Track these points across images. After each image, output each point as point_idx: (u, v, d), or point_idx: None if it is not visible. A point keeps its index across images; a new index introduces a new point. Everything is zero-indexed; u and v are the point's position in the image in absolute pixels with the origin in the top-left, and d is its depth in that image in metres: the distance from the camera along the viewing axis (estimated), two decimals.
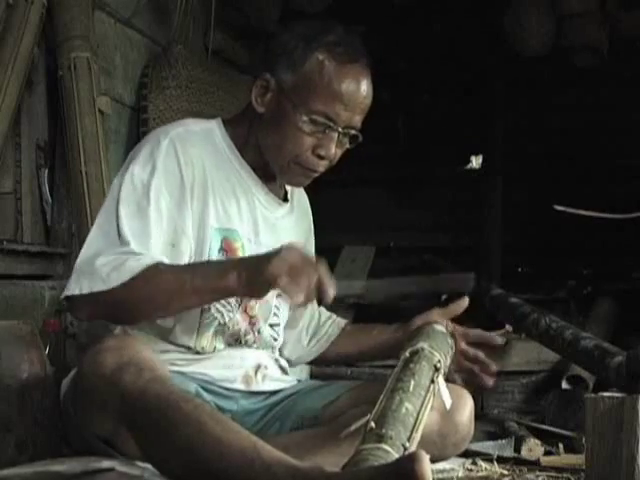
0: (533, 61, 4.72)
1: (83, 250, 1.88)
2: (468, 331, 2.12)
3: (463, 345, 2.08)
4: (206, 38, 3.93)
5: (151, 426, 1.63)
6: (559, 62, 4.78)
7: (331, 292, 1.77)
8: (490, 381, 2.11)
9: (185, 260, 1.92)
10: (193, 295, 1.83)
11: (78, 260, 1.87)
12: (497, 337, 2.18)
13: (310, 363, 2.39)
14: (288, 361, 2.20)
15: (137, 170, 1.91)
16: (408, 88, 5.54)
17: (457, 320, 2.13)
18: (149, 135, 2.01)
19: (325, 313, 2.29)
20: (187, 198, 1.92)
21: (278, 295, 2.08)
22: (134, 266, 1.81)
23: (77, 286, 1.83)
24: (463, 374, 2.09)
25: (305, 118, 1.92)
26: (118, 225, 1.86)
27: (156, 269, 1.82)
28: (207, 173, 1.95)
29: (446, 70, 5.51)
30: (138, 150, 1.95)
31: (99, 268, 1.81)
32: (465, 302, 2.12)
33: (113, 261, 1.81)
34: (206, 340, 1.97)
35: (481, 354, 2.10)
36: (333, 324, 2.26)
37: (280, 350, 2.16)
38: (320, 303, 2.13)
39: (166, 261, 1.87)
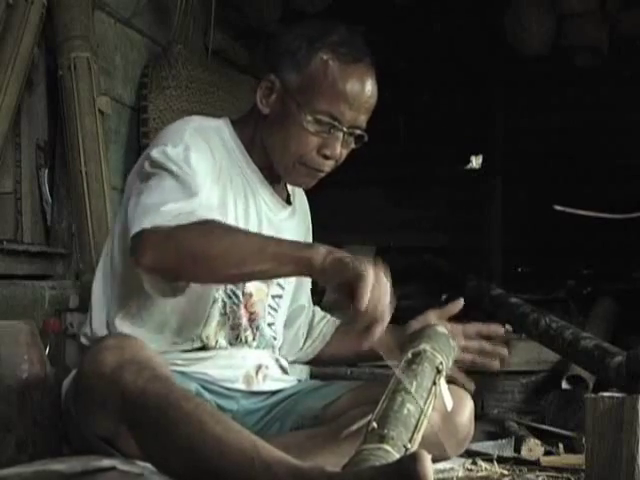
0: (533, 61, 4.72)
1: (143, 200, 1.78)
2: (466, 327, 2.11)
3: (463, 342, 2.07)
4: (206, 38, 3.93)
5: (151, 425, 1.63)
6: (559, 62, 4.78)
7: (377, 332, 1.68)
8: (497, 364, 2.10)
9: None
10: (271, 260, 1.73)
11: (138, 208, 1.77)
12: (497, 327, 2.17)
13: (306, 364, 2.39)
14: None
15: (170, 149, 1.86)
16: (408, 88, 5.54)
17: (456, 320, 2.13)
18: (166, 129, 1.98)
19: (320, 313, 2.29)
20: (217, 178, 1.92)
21: (276, 296, 2.08)
22: (205, 214, 1.75)
23: (148, 221, 1.73)
24: (470, 365, 2.09)
25: (310, 118, 1.93)
26: (175, 182, 1.80)
27: (232, 225, 1.79)
28: (224, 165, 1.96)
29: (446, 70, 5.51)
30: (160, 138, 1.93)
31: (168, 210, 1.74)
32: (461, 303, 2.13)
33: (182, 205, 1.75)
34: (211, 330, 1.96)
35: (485, 344, 2.10)
36: (327, 324, 2.26)
37: (280, 350, 2.16)
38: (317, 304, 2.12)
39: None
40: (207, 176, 1.89)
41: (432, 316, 2.11)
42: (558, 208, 3.68)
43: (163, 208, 1.75)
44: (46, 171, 3.06)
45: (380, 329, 1.68)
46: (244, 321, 2.01)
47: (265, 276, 1.85)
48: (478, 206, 5.63)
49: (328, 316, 2.29)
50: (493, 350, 2.10)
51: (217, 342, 1.98)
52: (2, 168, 2.87)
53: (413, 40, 5.34)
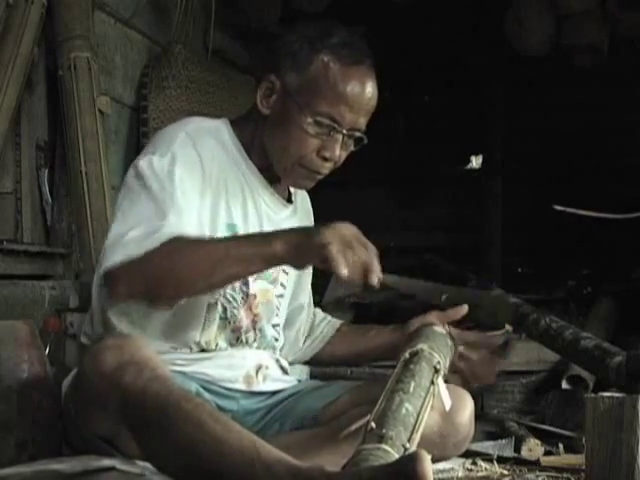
0: (533, 61, 4.73)
1: (113, 229, 1.82)
2: (466, 334, 2.10)
3: (461, 348, 2.06)
4: (206, 38, 3.93)
5: (151, 425, 1.63)
6: (559, 62, 4.78)
7: (376, 277, 1.74)
8: (491, 378, 2.10)
9: None
10: (238, 263, 1.78)
11: (107, 240, 1.81)
12: (496, 337, 2.17)
13: (306, 363, 2.39)
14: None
15: (156, 160, 1.87)
16: (408, 88, 5.54)
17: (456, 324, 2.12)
18: (160, 133, 1.99)
19: (320, 314, 2.29)
20: (207, 188, 1.91)
21: (279, 296, 2.08)
22: (170, 232, 1.77)
23: (112, 258, 1.77)
24: (461, 373, 2.08)
25: (310, 120, 1.92)
26: (150, 201, 1.82)
27: (194, 238, 1.80)
28: (220, 169, 1.96)
29: (446, 70, 5.51)
30: (152, 143, 1.93)
31: (131, 239, 1.77)
32: (464, 309, 2.11)
33: (146, 229, 1.77)
34: (210, 334, 1.97)
35: (482, 354, 2.09)
36: (328, 325, 2.26)
37: (280, 350, 2.16)
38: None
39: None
40: (191, 191, 1.88)
41: (433, 317, 2.10)
42: (558, 208, 3.67)
43: (127, 237, 1.78)
44: (46, 171, 3.06)
45: (375, 275, 1.73)
46: (246, 323, 2.01)
47: (241, 277, 1.90)
48: (478, 206, 5.63)
49: (329, 317, 2.29)
50: (490, 361, 2.09)
51: (217, 345, 1.99)
52: (2, 168, 2.87)
53: (413, 40, 5.35)
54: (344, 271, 1.69)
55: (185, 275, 1.77)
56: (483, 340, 2.12)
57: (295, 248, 1.75)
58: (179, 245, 1.76)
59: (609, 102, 5.33)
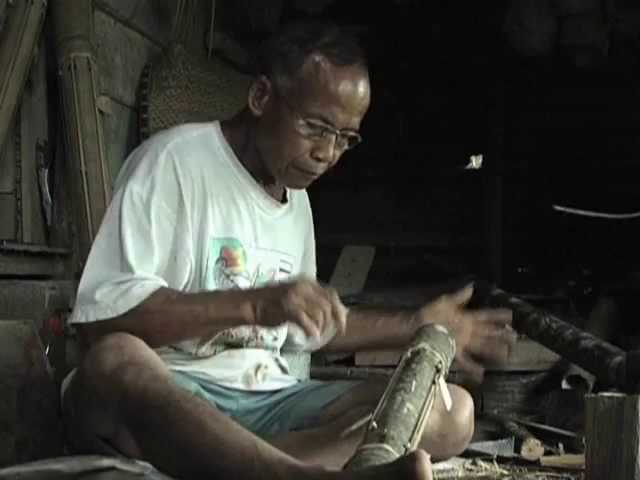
0: (533, 61, 4.72)
1: (85, 275, 1.87)
2: (477, 314, 2.14)
3: (472, 329, 2.10)
4: (206, 38, 3.93)
5: (151, 425, 1.63)
6: (559, 62, 4.78)
7: (344, 321, 1.78)
8: (504, 350, 2.12)
9: (185, 274, 1.92)
10: (206, 326, 1.86)
11: (80, 287, 1.86)
12: (505, 313, 2.19)
13: (314, 353, 2.38)
14: (300, 347, 2.21)
15: (136, 187, 1.89)
16: (408, 88, 5.54)
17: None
18: (146, 144, 1.99)
19: None
20: (187, 212, 1.91)
21: None
22: (140, 293, 1.81)
23: (83, 315, 1.83)
24: (480, 352, 2.11)
25: (302, 122, 1.91)
26: (121, 247, 1.86)
27: (166, 298, 1.83)
28: (206, 182, 1.94)
29: (446, 70, 5.51)
30: (136, 163, 1.93)
31: (102, 299, 1.81)
32: (470, 291, 2.15)
33: (115, 290, 1.82)
34: (206, 347, 1.98)
35: (494, 331, 2.12)
36: None
37: (281, 349, 2.16)
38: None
39: (165, 284, 1.87)
40: (167, 220, 1.89)
41: (443, 302, 2.13)
42: (558, 208, 3.67)
43: (98, 296, 1.81)
44: (46, 171, 3.06)
45: (343, 319, 1.77)
46: (247, 333, 2.00)
47: (208, 335, 1.93)
48: (478, 206, 5.63)
49: None
50: (501, 337, 2.12)
51: (215, 351, 1.99)
52: (2, 168, 2.87)
53: (413, 40, 5.34)
54: (316, 333, 1.75)
55: (155, 337, 1.81)
56: (494, 317, 2.15)
57: (263, 312, 1.79)
58: (150, 307, 1.81)
59: (609, 102, 5.32)
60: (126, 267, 1.84)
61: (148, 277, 1.85)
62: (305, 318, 1.74)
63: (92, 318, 1.81)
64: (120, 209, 1.88)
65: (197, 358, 1.97)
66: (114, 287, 1.82)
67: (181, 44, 3.61)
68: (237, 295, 1.87)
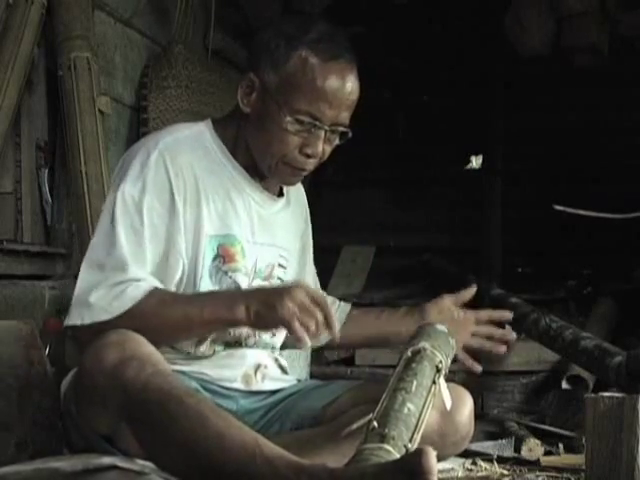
0: (533, 61, 4.72)
1: (80, 278, 1.87)
2: (478, 313, 2.16)
3: (473, 327, 2.13)
4: (206, 38, 3.94)
5: (153, 420, 1.64)
6: (559, 62, 4.78)
7: (337, 329, 1.80)
8: (503, 348, 2.15)
9: (177, 273, 1.92)
10: (201, 327, 1.86)
11: (76, 290, 1.86)
12: (506, 313, 2.22)
13: (314, 353, 2.39)
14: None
15: (128, 188, 1.89)
16: (408, 88, 5.54)
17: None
18: (139, 145, 1.99)
19: (329, 298, 2.27)
20: (179, 211, 1.91)
21: None
22: (135, 294, 1.82)
23: (79, 317, 1.83)
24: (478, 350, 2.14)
25: (290, 118, 1.91)
26: (115, 248, 1.86)
27: (160, 299, 1.83)
28: (199, 181, 1.94)
29: (446, 70, 5.51)
30: (128, 163, 1.94)
31: (97, 301, 1.82)
32: (473, 290, 2.18)
33: (110, 292, 1.82)
34: (205, 347, 1.98)
35: (494, 330, 2.15)
36: (339, 309, 2.24)
37: (284, 345, 2.15)
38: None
39: (159, 285, 1.87)
40: (160, 220, 1.90)
41: (447, 299, 2.15)
42: (558, 208, 3.68)
43: (92, 299, 1.82)
44: (46, 171, 3.06)
45: (335, 329, 1.79)
46: (245, 330, 2.00)
47: (202, 336, 1.94)
48: (478, 206, 5.62)
49: (337, 301, 2.27)
50: (501, 335, 2.15)
51: (214, 351, 1.99)
52: (2, 168, 2.87)
53: (413, 40, 5.34)
54: (307, 340, 1.76)
55: (150, 338, 1.80)
56: (495, 316, 2.18)
57: (256, 315, 1.80)
58: (145, 309, 1.81)
59: (609, 102, 5.32)
60: (120, 269, 1.84)
61: (142, 278, 1.85)
62: (297, 325, 1.75)
63: (88, 320, 1.82)
64: (113, 210, 1.89)
65: (196, 358, 1.97)
66: (109, 289, 1.82)
67: (181, 44, 3.61)
68: (231, 297, 1.87)
